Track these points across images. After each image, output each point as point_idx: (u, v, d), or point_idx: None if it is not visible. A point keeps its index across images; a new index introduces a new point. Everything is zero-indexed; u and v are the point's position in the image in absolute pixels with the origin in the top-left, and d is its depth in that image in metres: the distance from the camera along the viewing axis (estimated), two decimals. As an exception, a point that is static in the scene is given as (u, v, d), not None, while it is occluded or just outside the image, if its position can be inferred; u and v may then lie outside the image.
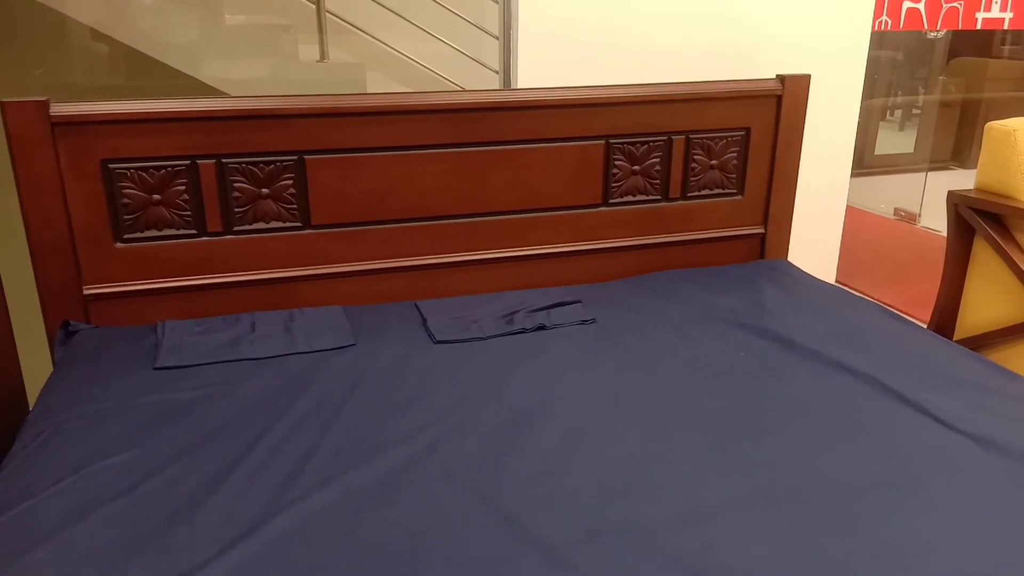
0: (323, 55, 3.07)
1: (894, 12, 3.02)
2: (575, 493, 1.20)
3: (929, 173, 4.68)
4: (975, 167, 2.24)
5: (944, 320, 2.36)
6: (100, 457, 1.29)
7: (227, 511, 1.15)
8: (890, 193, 4.64)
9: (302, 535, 1.11)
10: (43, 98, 1.65)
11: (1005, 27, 3.24)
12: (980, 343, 2.23)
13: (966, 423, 1.39)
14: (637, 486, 1.22)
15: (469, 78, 3.11)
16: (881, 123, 5.37)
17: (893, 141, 5.46)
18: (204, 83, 2.81)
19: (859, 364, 1.61)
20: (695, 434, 1.37)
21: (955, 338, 2.33)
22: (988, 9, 3.15)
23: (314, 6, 2.99)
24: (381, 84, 3.19)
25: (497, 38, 2.34)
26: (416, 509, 1.17)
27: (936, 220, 4.19)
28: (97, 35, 2.84)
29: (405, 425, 1.39)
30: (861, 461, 1.29)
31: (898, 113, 5.73)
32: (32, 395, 1.76)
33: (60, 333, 1.75)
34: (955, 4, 3.08)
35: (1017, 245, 2.12)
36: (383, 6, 3.02)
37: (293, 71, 3.05)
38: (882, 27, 3.02)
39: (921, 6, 3.04)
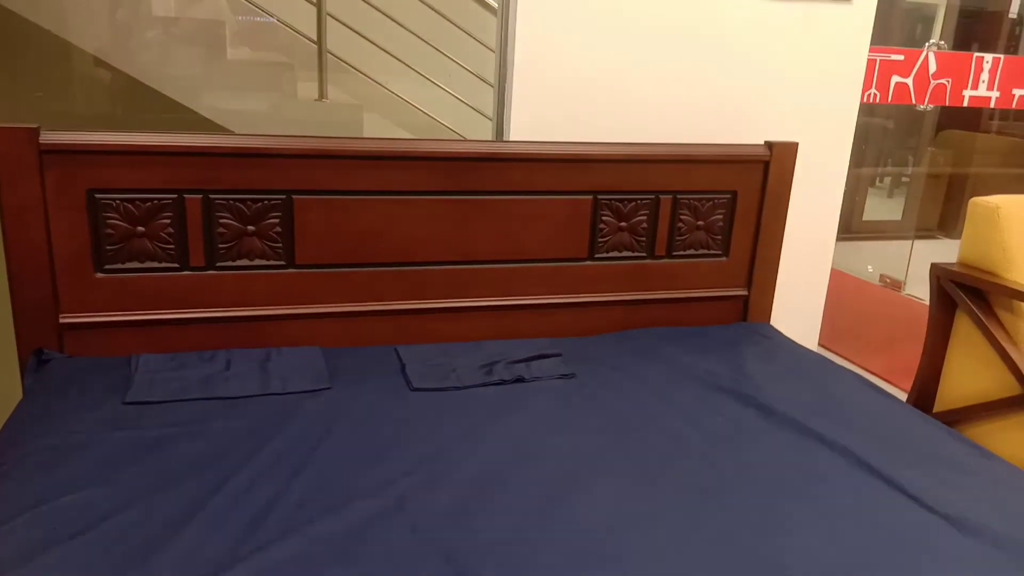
0: (322, 94, 3.11)
1: (883, 85, 3.09)
2: (544, 559, 1.18)
3: (916, 241, 4.73)
4: (960, 237, 2.26)
5: (924, 392, 2.36)
6: (60, 493, 1.26)
7: (184, 558, 1.12)
8: (876, 259, 4.68)
9: (259, 588, 1.08)
10: (34, 125, 1.65)
11: (991, 106, 3.32)
12: (959, 417, 2.23)
13: (942, 503, 1.38)
14: (607, 554, 1.20)
15: (464, 123, 3.14)
16: (870, 189, 5.45)
17: (881, 208, 5.54)
18: (201, 117, 2.82)
19: (837, 436, 1.60)
20: (668, 501, 1.36)
21: (934, 410, 2.33)
22: (975, 87, 3.22)
23: (316, 46, 3.04)
24: (378, 125, 3.22)
25: (493, 86, 2.37)
26: (379, 566, 1.14)
27: (921, 288, 4.22)
28: (99, 63, 2.86)
29: (374, 476, 1.36)
30: (835, 538, 1.27)
31: (887, 180, 5.82)
32: (-1, 421, 1.73)
33: (32, 361, 1.72)
34: (943, 81, 3.16)
35: (998, 321, 2.14)
36: (383, 50, 3.07)
37: (291, 109, 3.07)
38: (871, 100, 3.08)
39: (910, 81, 3.11)
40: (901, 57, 3.11)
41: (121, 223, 1.76)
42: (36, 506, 1.22)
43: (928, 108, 4.20)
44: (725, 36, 2.33)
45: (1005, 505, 1.40)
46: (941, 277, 2.26)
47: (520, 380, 1.81)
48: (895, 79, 3.09)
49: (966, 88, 3.20)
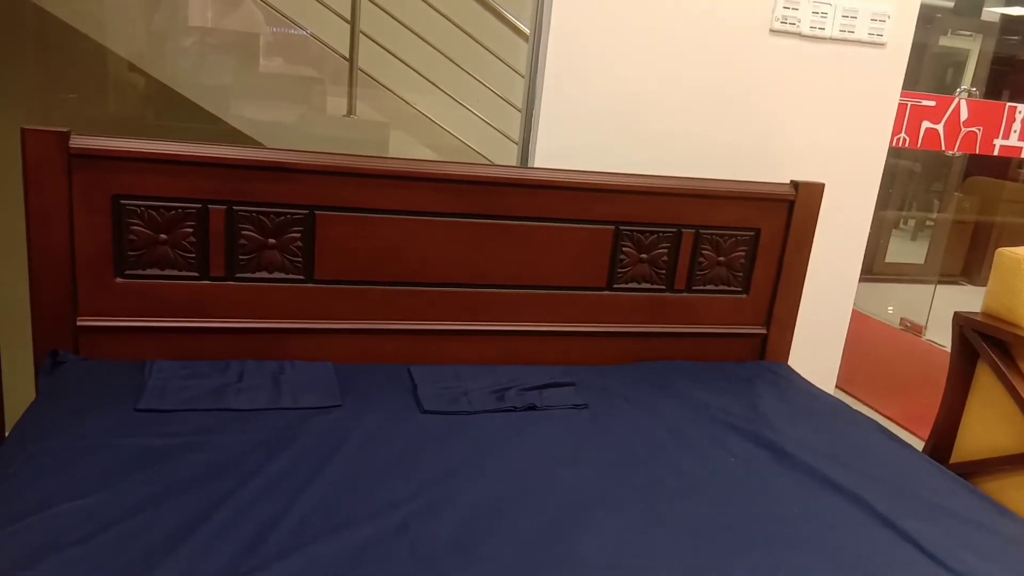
0: (351, 110, 3.13)
1: (913, 130, 3.07)
2: (543, 593, 1.16)
3: (938, 286, 4.68)
4: (984, 284, 2.23)
5: (941, 442, 2.32)
6: (65, 499, 1.26)
7: (182, 572, 1.11)
8: (897, 301, 4.63)
9: (256, 607, 1.07)
10: (65, 129, 1.67)
11: (1023, 155, 3.29)
12: (975, 469, 2.19)
13: (954, 560, 1.34)
14: (608, 593, 1.18)
15: (490, 146, 3.15)
16: (893, 231, 5.41)
17: (904, 250, 5.49)
18: (229, 127, 2.85)
19: (851, 484, 1.57)
20: (675, 542, 1.33)
21: (951, 461, 2.29)
22: (1007, 137, 3.20)
23: (347, 62, 3.06)
24: (404, 143, 3.24)
25: (520, 111, 2.38)
26: (378, 592, 1.13)
27: (941, 334, 4.17)
28: (133, 68, 2.90)
29: (379, 499, 1.35)
30: (843, 590, 1.25)
31: (911, 223, 5.78)
32: (11, 418, 1.74)
33: (47, 362, 1.73)
34: (974, 129, 3.13)
35: (1020, 374, 2.10)
36: (414, 70, 3.09)
37: (319, 123, 3.10)
38: (900, 144, 3.07)
39: (940, 127, 3.09)
40: (932, 103, 3.09)
41: (144, 230, 1.77)
42: (41, 510, 1.22)
43: (956, 154, 4.18)
44: (757, 73, 2.33)
45: (1020, 565, 1.36)
46: (964, 326, 2.22)
47: (532, 408, 1.80)
48: (925, 124, 3.07)
49: (997, 137, 3.18)
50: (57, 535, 1.17)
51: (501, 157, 3.02)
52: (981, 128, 3.14)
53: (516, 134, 2.44)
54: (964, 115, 3.13)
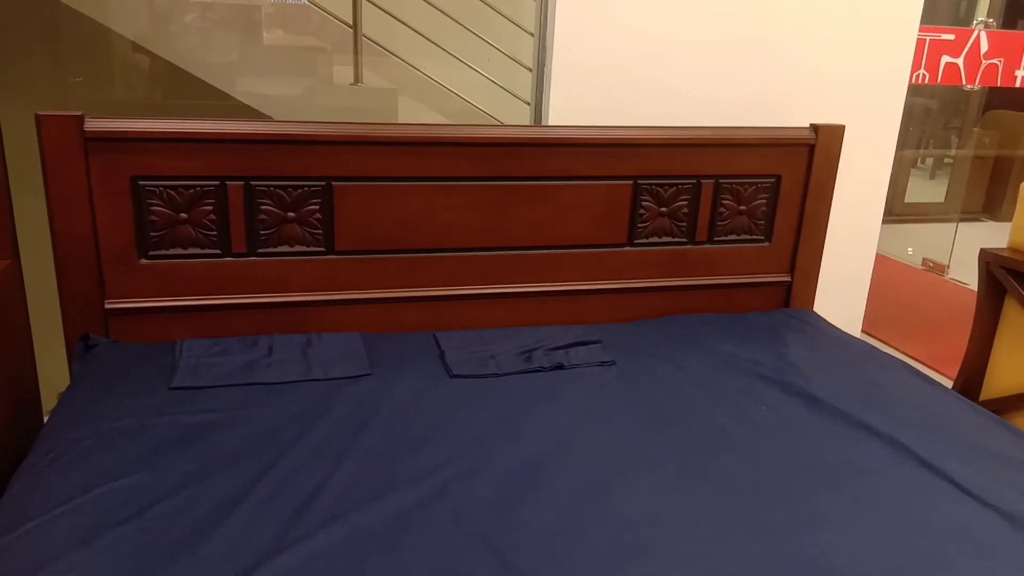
0: (357, 78, 3.10)
1: (932, 66, 3.00)
2: (586, 551, 1.17)
3: (960, 224, 4.62)
4: (1007, 220, 2.20)
5: (970, 380, 2.31)
6: (109, 479, 1.28)
7: (231, 545, 1.13)
8: (918, 242, 4.58)
9: (305, 576, 1.09)
10: (78, 113, 1.67)
11: (1045, 84, 3.21)
12: (1006, 405, 2.18)
13: (995, 498, 1.34)
14: (651, 548, 1.19)
15: (501, 108, 3.11)
16: (912, 170, 5.33)
17: (924, 190, 5.41)
18: (237, 102, 2.83)
19: (884, 427, 1.57)
20: (712, 495, 1.34)
21: (980, 398, 2.28)
22: (1028, 68, 3.12)
23: (351, 30, 3.02)
24: (413, 110, 3.20)
25: (531, 71, 2.34)
26: (423, 555, 1.14)
27: (965, 273, 4.12)
28: (138, 48, 2.88)
29: (417, 465, 1.36)
30: (886, 534, 1.25)
31: (929, 161, 5.69)
32: (47, 403, 1.76)
33: (79, 346, 1.75)
34: (994, 61, 3.05)
35: (1050, 309, 2.08)
36: (419, 33, 3.05)
37: (326, 93, 3.07)
38: (920, 80, 3.00)
39: (960, 61, 3.01)
40: (951, 36, 3.01)
41: (164, 210, 1.77)
42: (86, 491, 1.24)
43: (975, 88, 4.09)
44: (771, 16, 2.28)
45: (1061, 500, 1.36)
46: (991, 262, 2.20)
47: (559, 367, 1.80)
48: (945, 59, 3.00)
49: (1019, 68, 3.10)
50: (105, 515, 1.19)
51: (513, 119, 2.98)
52: (1002, 60, 3.06)
53: (527, 95, 2.40)
54: (984, 47, 3.05)
